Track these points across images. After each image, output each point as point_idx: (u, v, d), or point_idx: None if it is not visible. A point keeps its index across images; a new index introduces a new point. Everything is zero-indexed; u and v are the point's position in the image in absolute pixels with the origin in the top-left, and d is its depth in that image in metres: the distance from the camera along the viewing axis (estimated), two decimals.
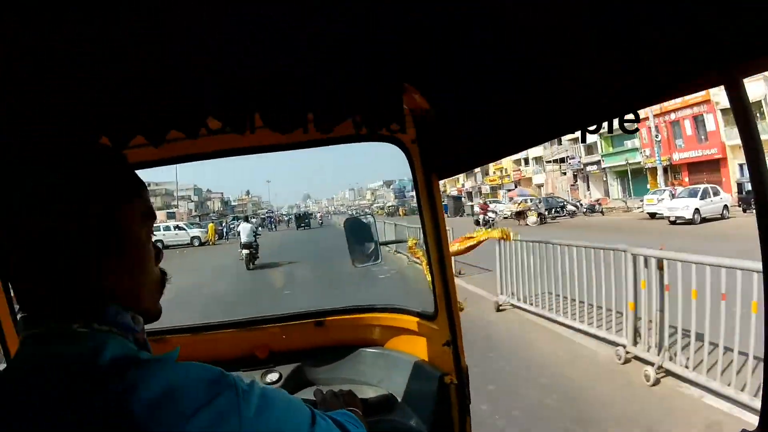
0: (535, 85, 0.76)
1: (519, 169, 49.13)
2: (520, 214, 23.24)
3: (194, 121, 0.85)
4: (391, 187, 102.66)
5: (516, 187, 47.93)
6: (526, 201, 29.42)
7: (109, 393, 0.51)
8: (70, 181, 0.59)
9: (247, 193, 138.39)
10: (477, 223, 20.69)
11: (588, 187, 38.02)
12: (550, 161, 42.36)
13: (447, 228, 1.59)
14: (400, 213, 53.04)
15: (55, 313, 0.57)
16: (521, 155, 45.38)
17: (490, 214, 22.51)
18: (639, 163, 31.86)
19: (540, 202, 27.97)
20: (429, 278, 1.51)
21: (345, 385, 1.14)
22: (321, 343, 1.73)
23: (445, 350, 1.38)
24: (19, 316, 0.61)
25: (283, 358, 1.66)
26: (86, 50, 0.73)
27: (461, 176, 61.61)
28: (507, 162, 48.96)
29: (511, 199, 34.74)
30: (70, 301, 0.58)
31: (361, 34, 0.79)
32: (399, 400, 1.47)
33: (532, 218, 23.15)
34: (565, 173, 41.29)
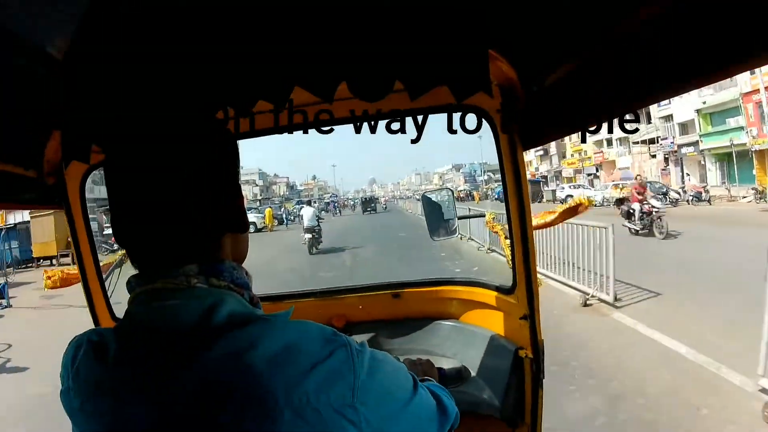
0: (630, 42, 0.71)
1: (601, 151, 43.85)
2: (622, 202, 14.75)
3: (282, 91, 0.87)
4: (461, 171, 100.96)
5: (597, 171, 44.38)
6: (628, 186, 23.27)
7: (229, 349, 0.53)
8: (205, 134, 0.64)
9: (313, 177, 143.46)
10: (628, 216, 13.08)
11: (682, 171, 33.35)
12: (637, 142, 37.46)
13: None
14: (475, 198, 49.87)
15: (173, 268, 0.59)
16: (603, 135, 40.64)
17: (655, 204, 12.61)
18: (744, 144, 26.55)
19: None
20: (508, 252, 1.51)
21: (421, 356, 1.18)
22: (397, 314, 1.79)
23: (521, 324, 1.39)
24: (130, 276, 0.64)
25: (359, 329, 1.73)
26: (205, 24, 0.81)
27: (534, 159, 58.72)
28: (588, 143, 44.82)
29: (616, 184, 28.50)
30: (190, 255, 0.60)
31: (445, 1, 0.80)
32: (473, 373, 1.50)
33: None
34: (654, 156, 36.66)
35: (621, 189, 23.78)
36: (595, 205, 22.12)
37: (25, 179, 1.15)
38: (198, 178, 0.61)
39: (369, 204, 46.22)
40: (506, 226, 1.61)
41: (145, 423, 0.55)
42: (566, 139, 45.30)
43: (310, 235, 14.58)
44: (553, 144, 49.74)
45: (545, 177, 53.25)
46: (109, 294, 1.55)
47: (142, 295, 0.60)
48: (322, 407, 0.52)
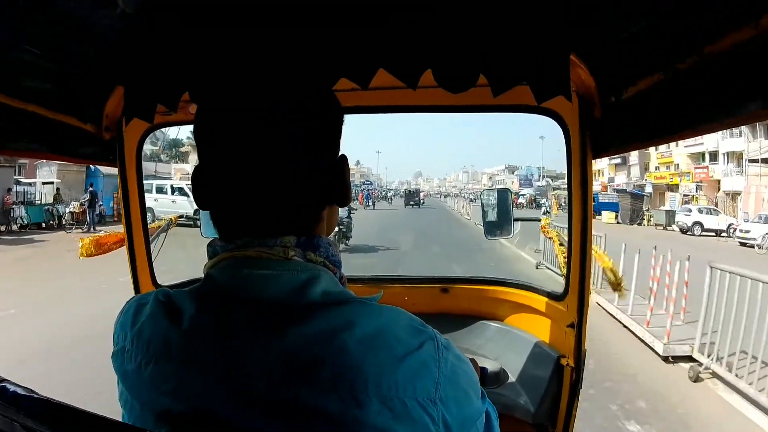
0: (716, 62, 0.72)
1: (705, 167, 36.80)
2: None
3: (367, 71, 0.89)
4: (516, 173, 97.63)
5: (697, 190, 37.17)
6: None
7: (324, 326, 0.54)
8: (318, 98, 0.65)
9: (357, 163, 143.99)
10: None
11: None
12: (756, 160, 30.57)
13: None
14: (553, 207, 40.99)
15: (270, 237, 0.59)
16: (702, 147, 36.42)
17: None
18: None
19: None
20: (561, 258, 1.58)
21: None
22: (443, 309, 1.88)
23: (567, 332, 1.44)
24: (212, 239, 0.64)
25: None
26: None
27: (607, 169, 55.35)
28: (681, 156, 40.02)
29: None
30: (288, 226, 0.60)
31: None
32: (512, 377, 1.57)
33: None
34: None
35: None
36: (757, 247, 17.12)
37: (82, 132, 1.18)
38: (307, 145, 0.61)
39: (412, 197, 44.46)
40: (560, 233, 1.68)
41: (216, 391, 0.54)
42: (651, 148, 41.61)
43: (336, 228, 13.18)
44: (634, 153, 45.30)
45: (619, 189, 44.49)
46: (153, 259, 1.61)
47: (228, 260, 0.60)
48: (407, 398, 0.52)
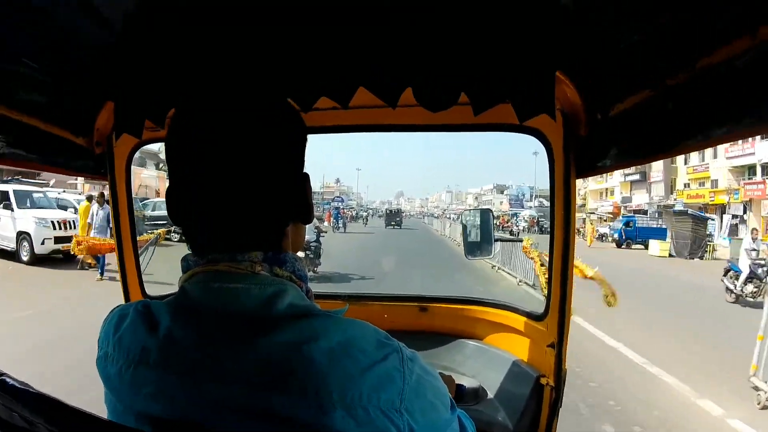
0: (704, 78, 0.73)
1: (762, 182, 29.91)
2: None
3: (347, 89, 0.92)
4: (506, 192, 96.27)
5: (745, 211, 31.11)
6: None
7: (291, 338, 0.57)
8: (281, 116, 0.68)
9: (337, 180, 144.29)
10: None
11: None
12: None
13: None
14: (589, 234, 32.72)
15: (238, 253, 0.63)
16: (751, 159, 31.12)
17: None
18: None
19: None
20: (542, 279, 1.63)
21: (442, 372, 1.25)
22: (422, 327, 1.91)
23: (547, 351, 1.48)
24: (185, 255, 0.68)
25: None
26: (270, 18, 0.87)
27: (618, 187, 50.81)
28: (720, 170, 34.24)
29: None
30: (255, 242, 0.65)
31: (516, 16, 0.84)
32: (490, 394, 1.60)
33: None
34: None
35: None
36: None
37: (73, 146, 1.25)
38: (271, 162, 0.65)
39: (394, 217, 44.01)
40: (542, 253, 1.74)
41: (192, 397, 0.58)
42: (679, 161, 39.25)
43: (303, 254, 12.21)
44: (658, 167, 41.40)
45: (640, 210, 40.46)
46: (142, 270, 1.67)
47: (200, 275, 0.65)
48: (371, 408, 0.56)
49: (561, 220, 1.39)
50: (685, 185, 39.83)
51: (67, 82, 1.06)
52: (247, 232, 0.65)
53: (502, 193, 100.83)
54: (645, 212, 38.57)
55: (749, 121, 0.67)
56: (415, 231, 39.07)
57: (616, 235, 31.52)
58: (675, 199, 37.98)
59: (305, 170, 0.72)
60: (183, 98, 0.75)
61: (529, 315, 1.69)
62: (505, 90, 0.89)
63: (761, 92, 0.63)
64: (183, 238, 0.71)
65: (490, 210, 2.07)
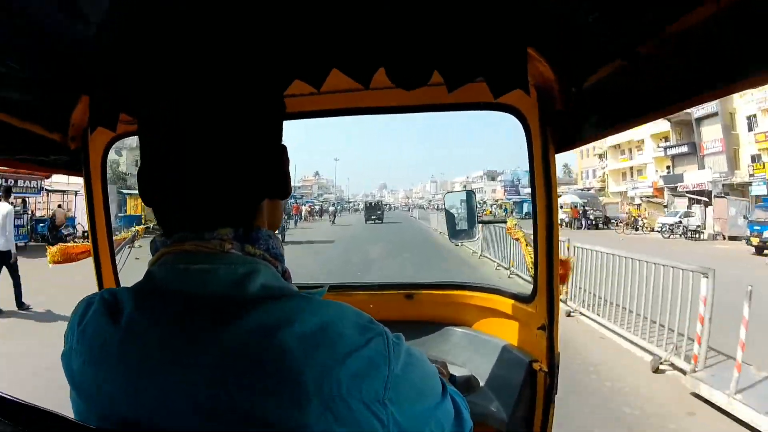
0: (675, 43, 0.78)
1: None
2: None
3: (320, 72, 0.95)
4: (499, 178, 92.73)
5: None
6: None
7: (262, 321, 0.55)
8: (251, 89, 0.68)
9: (315, 173, 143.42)
10: None
11: None
12: None
13: None
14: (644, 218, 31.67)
15: (205, 231, 0.62)
16: None
17: None
18: None
19: None
20: (529, 259, 1.71)
21: None
22: (409, 316, 1.97)
23: (538, 334, 1.53)
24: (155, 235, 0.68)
25: None
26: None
27: (653, 164, 43.31)
28: None
29: None
30: (225, 218, 0.63)
31: None
32: (482, 383, 1.63)
33: None
34: None
35: None
36: None
37: (47, 141, 1.28)
38: (239, 136, 0.64)
39: (374, 211, 41.96)
40: (527, 233, 1.83)
41: (153, 392, 0.56)
42: (740, 128, 33.59)
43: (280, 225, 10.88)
44: (715, 135, 35.04)
45: (702, 192, 33.39)
46: (118, 270, 1.70)
47: (167, 256, 0.63)
48: (352, 400, 0.54)
49: (543, 197, 1.44)
50: (754, 158, 32.78)
51: (42, 77, 1.09)
52: (216, 208, 0.63)
53: (493, 179, 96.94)
54: (708, 193, 31.98)
55: (715, 83, 0.73)
56: (400, 226, 36.49)
57: (752, 231, 20.47)
58: (751, 175, 32.14)
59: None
60: (154, 76, 0.74)
61: (517, 297, 1.75)
62: (478, 67, 0.93)
63: (723, 55, 0.70)
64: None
65: (472, 192, 2.15)
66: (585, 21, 0.94)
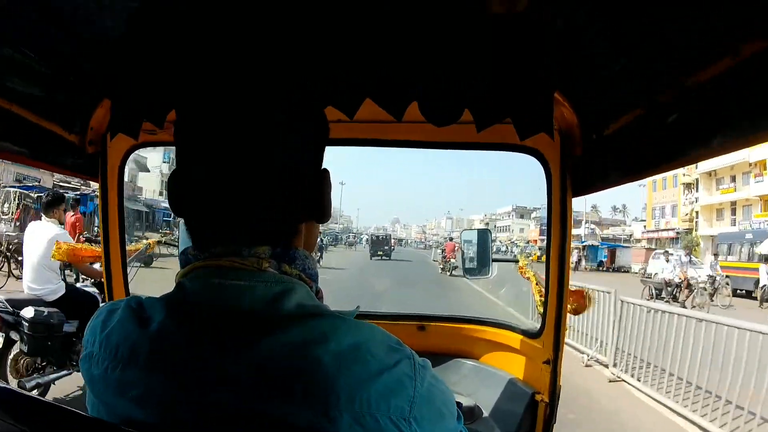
0: (695, 95, 0.86)
1: None
2: None
3: (354, 100, 1.01)
4: (533, 215, 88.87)
5: None
6: None
7: (298, 338, 0.60)
8: (300, 112, 0.73)
9: None
10: None
11: None
12: None
13: None
14: None
15: (244, 247, 0.67)
16: None
17: None
18: None
19: None
20: (538, 298, 1.89)
21: None
22: (420, 347, 2.02)
23: (542, 368, 1.73)
24: (184, 247, 0.72)
25: None
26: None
27: (758, 193, 35.38)
28: None
29: None
30: (264, 237, 0.68)
31: (516, 40, 0.96)
32: (485, 413, 1.84)
33: None
34: None
35: None
36: None
37: (65, 142, 1.35)
38: (287, 157, 0.70)
39: (381, 245, 39.36)
40: (538, 273, 2.00)
41: (180, 402, 0.61)
42: None
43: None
44: None
45: None
46: (129, 280, 1.81)
47: (200, 270, 0.68)
48: (381, 416, 0.59)
49: (558, 238, 1.63)
50: None
51: (65, 75, 1.16)
52: (256, 226, 0.69)
53: (522, 217, 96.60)
54: None
55: (731, 134, 0.79)
56: (410, 265, 33.00)
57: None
58: None
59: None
60: (197, 87, 0.76)
61: (525, 333, 1.96)
62: (507, 108, 1.00)
63: (744, 107, 0.76)
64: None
65: (487, 230, 2.35)
66: (609, 71, 1.06)
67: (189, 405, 0.61)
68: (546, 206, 1.67)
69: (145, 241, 2.13)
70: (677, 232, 46.83)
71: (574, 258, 39.33)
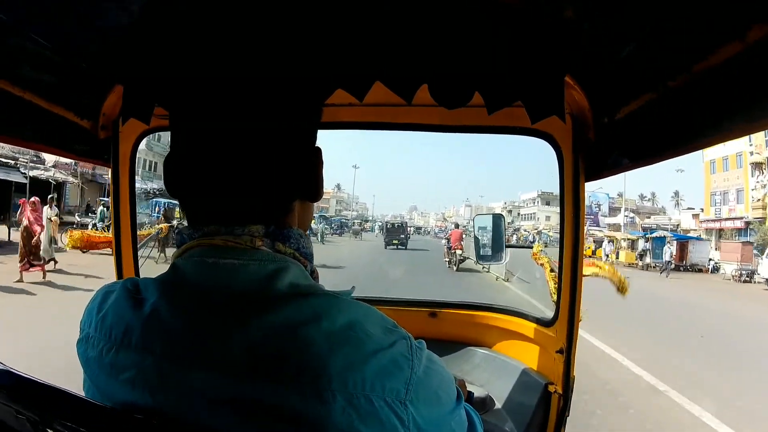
0: (706, 78, 0.88)
1: None
2: None
3: (363, 83, 1.03)
4: None
5: None
6: None
7: (290, 318, 0.62)
8: (290, 91, 0.75)
9: (337, 186, 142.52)
10: None
11: None
12: None
13: None
14: None
15: (237, 226, 0.69)
16: None
17: None
18: None
19: None
20: (552, 285, 1.92)
21: None
22: (431, 334, 2.19)
23: (555, 358, 1.77)
24: (180, 227, 0.75)
25: None
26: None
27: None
28: None
29: None
30: (257, 215, 0.71)
31: (527, 25, 0.99)
32: (498, 404, 1.87)
33: None
34: None
35: None
36: None
37: (78, 128, 1.42)
38: (276, 135, 0.72)
39: (396, 233, 37.77)
40: (552, 259, 2.04)
41: (176, 381, 0.63)
42: None
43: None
44: None
45: None
46: (140, 266, 1.89)
47: (194, 249, 0.70)
48: (375, 397, 0.59)
49: (570, 224, 1.66)
50: None
51: (78, 63, 1.20)
52: (248, 204, 0.71)
53: (548, 204, 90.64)
54: None
55: (742, 119, 0.81)
56: (428, 254, 30.91)
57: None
58: None
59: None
60: (193, 71, 0.79)
61: (539, 321, 2.00)
62: (518, 91, 1.02)
63: (752, 92, 0.78)
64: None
65: (501, 215, 2.38)
66: (621, 53, 1.07)
67: (180, 387, 0.63)
68: (558, 192, 1.70)
69: (157, 226, 2.21)
70: (746, 222, 40.96)
71: (639, 250, 36.20)
